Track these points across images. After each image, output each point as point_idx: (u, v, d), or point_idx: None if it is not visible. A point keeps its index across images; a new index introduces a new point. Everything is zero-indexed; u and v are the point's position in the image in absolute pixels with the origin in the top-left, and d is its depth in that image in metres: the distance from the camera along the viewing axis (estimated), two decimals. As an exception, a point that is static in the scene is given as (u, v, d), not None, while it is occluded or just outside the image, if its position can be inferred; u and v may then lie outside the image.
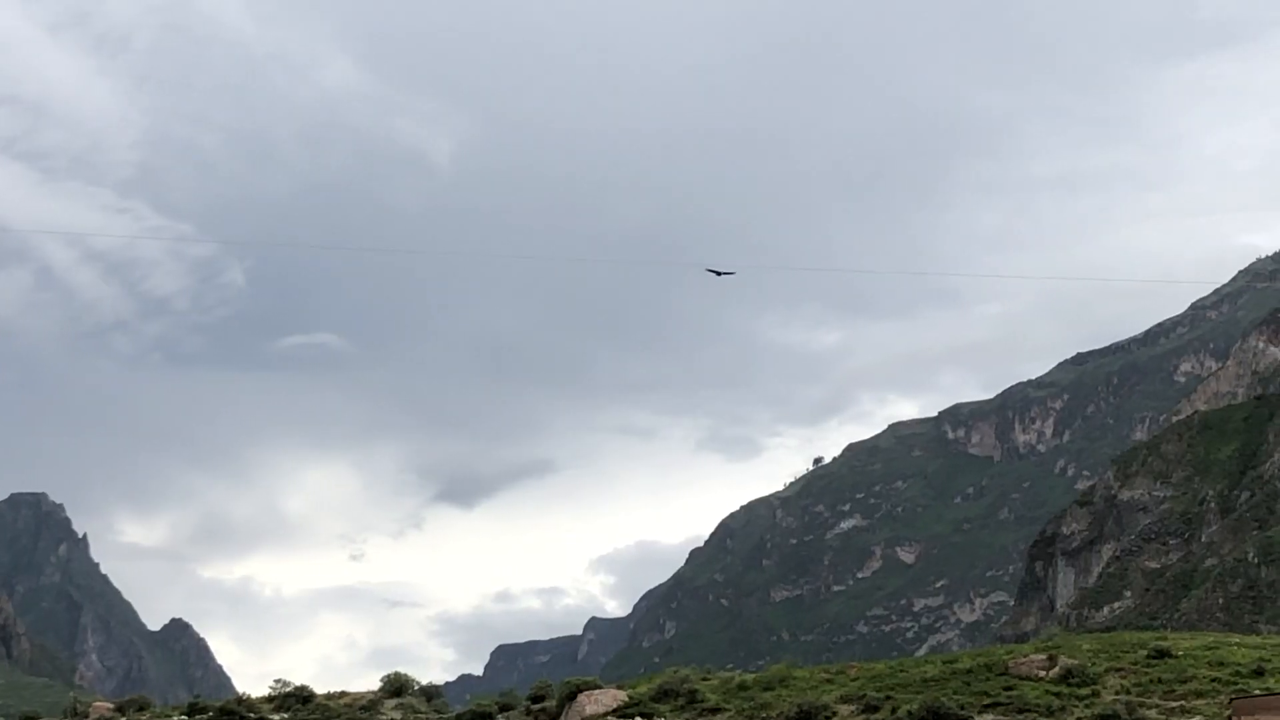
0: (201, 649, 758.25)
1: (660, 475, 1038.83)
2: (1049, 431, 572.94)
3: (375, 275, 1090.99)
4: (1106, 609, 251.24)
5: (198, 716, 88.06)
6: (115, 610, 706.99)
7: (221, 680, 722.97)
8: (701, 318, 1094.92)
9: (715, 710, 76.16)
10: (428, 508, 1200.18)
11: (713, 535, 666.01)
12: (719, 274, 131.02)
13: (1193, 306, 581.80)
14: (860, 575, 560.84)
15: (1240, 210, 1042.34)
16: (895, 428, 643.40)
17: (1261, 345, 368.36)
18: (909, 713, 69.65)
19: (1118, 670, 77.41)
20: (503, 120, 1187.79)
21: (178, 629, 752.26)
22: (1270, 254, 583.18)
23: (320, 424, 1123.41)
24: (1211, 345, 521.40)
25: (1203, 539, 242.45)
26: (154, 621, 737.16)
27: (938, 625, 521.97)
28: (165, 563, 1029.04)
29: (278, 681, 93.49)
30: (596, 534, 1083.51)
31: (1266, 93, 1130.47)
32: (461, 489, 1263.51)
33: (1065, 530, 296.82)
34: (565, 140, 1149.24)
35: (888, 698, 73.38)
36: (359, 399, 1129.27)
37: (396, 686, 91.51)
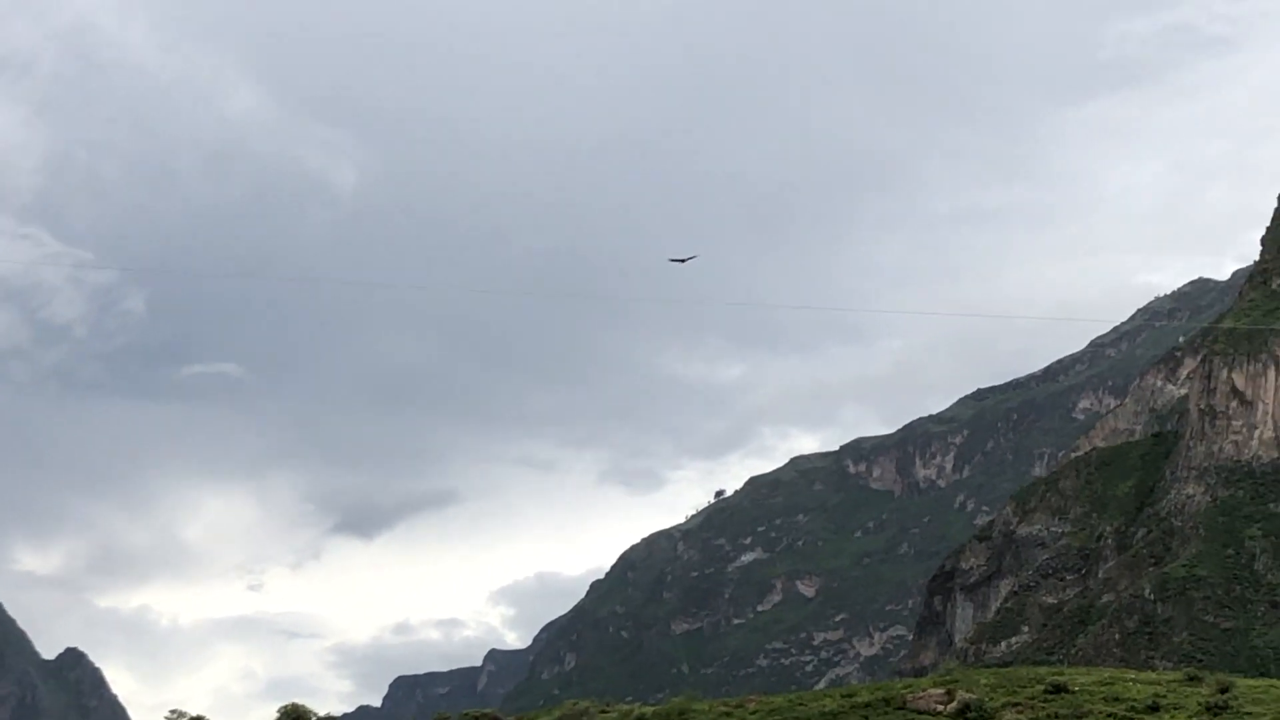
0: (96, 679, 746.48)
1: (562, 507, 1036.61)
2: (949, 466, 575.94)
3: (277, 304, 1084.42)
4: (1004, 644, 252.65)
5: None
6: (9, 639, 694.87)
7: (116, 711, 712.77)
8: (604, 350, 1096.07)
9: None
10: (327, 538, 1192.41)
11: (614, 567, 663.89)
12: (681, 261, 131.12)
13: (1092, 344, 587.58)
14: (760, 608, 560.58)
15: (1139, 250, 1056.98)
16: (797, 461, 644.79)
17: (1159, 383, 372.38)
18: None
19: (1015, 705, 77.74)
20: (407, 150, 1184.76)
21: (72, 658, 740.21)
22: (1169, 293, 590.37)
23: (220, 453, 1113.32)
24: (1110, 383, 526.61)
25: (1100, 575, 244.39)
26: (49, 650, 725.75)
27: (837, 659, 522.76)
28: (61, 591, 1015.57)
29: (173, 712, 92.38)
30: (497, 566, 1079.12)
31: (1165, 134, 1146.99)
32: (361, 520, 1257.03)
33: (964, 565, 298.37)
34: (469, 170, 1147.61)
35: (787, 731, 73.40)
36: (259, 428, 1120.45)
37: (294, 717, 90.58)
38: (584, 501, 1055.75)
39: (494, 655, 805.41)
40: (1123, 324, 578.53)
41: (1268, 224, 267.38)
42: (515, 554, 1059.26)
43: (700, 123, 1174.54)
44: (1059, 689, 78.93)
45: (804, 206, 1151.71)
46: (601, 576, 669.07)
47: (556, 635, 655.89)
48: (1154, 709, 74.13)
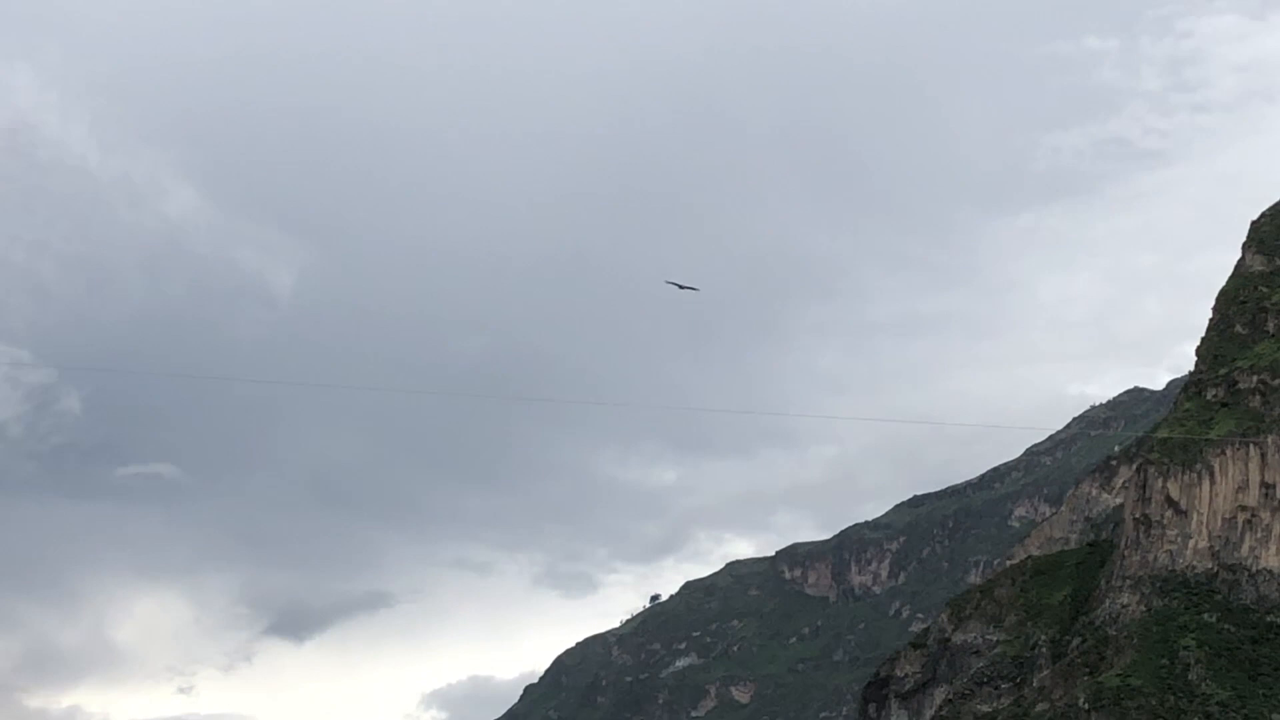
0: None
1: (496, 610, 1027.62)
2: (885, 573, 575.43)
3: (214, 405, 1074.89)
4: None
5: None
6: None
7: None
8: (539, 452, 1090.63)
9: None
10: (259, 640, 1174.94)
11: (548, 671, 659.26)
12: (681, 288, 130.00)
13: (1027, 452, 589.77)
14: (695, 714, 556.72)
15: (1073, 359, 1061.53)
16: (732, 566, 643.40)
17: (1094, 492, 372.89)
18: None
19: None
20: (345, 251, 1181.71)
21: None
22: (1104, 402, 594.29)
23: (153, 554, 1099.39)
24: (1045, 491, 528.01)
25: (1034, 684, 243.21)
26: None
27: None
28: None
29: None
30: (430, 669, 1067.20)
31: (1099, 246, 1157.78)
32: (294, 622, 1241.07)
33: (899, 672, 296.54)
34: (406, 272, 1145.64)
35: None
36: (193, 529, 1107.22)
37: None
38: (518, 604, 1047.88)
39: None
40: (1058, 432, 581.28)
41: (1202, 335, 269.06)
42: (449, 657, 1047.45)
43: (639, 227, 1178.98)
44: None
45: (742, 311, 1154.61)
46: (535, 680, 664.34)
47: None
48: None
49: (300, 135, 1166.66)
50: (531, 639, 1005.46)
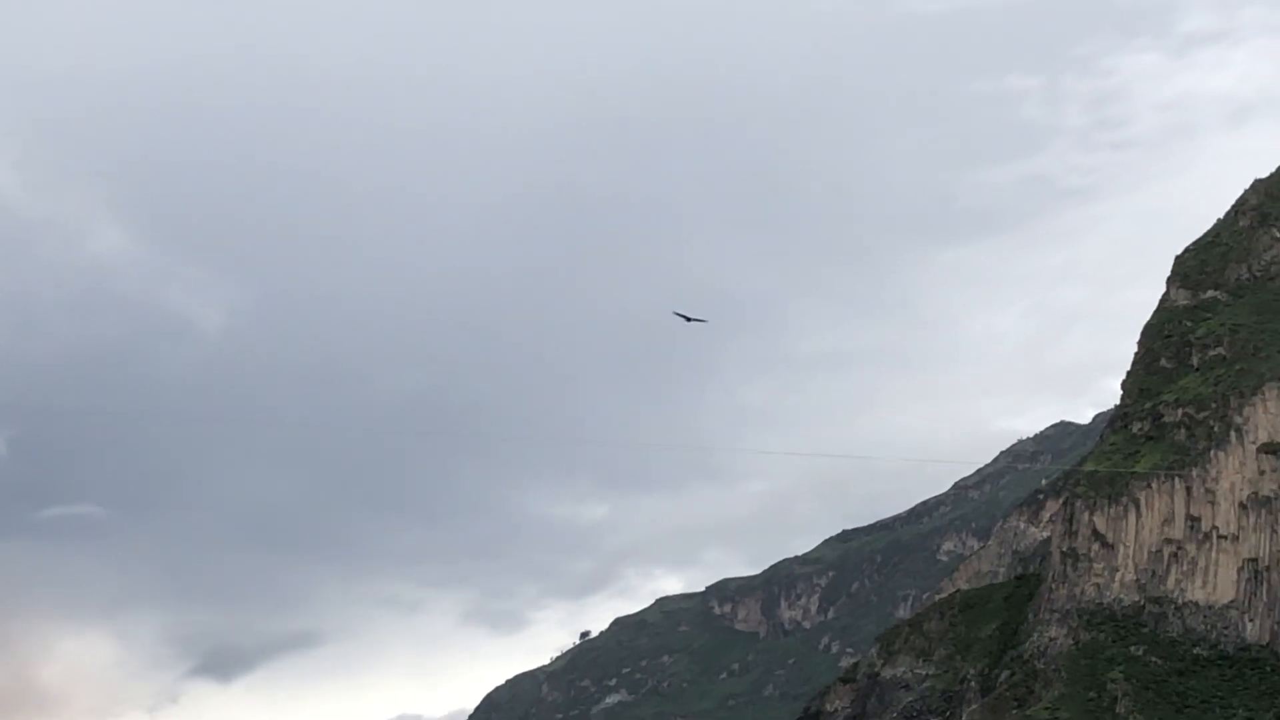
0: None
1: (425, 648, 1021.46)
2: (814, 608, 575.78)
3: (141, 444, 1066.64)
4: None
5: None
6: None
7: None
8: (469, 489, 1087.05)
9: None
10: (185, 681, 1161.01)
11: (477, 709, 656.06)
12: (688, 319, 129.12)
13: (955, 486, 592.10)
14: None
15: (1000, 393, 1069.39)
16: (662, 602, 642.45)
17: (1022, 525, 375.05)
18: None
19: None
20: (274, 289, 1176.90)
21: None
22: (1031, 436, 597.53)
23: (79, 594, 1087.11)
24: (973, 524, 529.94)
25: (963, 717, 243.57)
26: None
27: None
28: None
29: None
30: (359, 708, 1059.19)
31: (1024, 281, 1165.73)
32: (220, 662, 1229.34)
33: (829, 707, 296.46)
34: (335, 310, 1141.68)
35: None
36: (119, 569, 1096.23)
37: None
38: (448, 642, 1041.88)
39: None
40: (986, 466, 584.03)
41: (1127, 369, 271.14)
42: (378, 695, 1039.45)
43: (568, 261, 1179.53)
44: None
45: (671, 346, 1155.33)
46: (465, 718, 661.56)
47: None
48: None
49: (229, 175, 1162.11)
50: (461, 676, 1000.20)
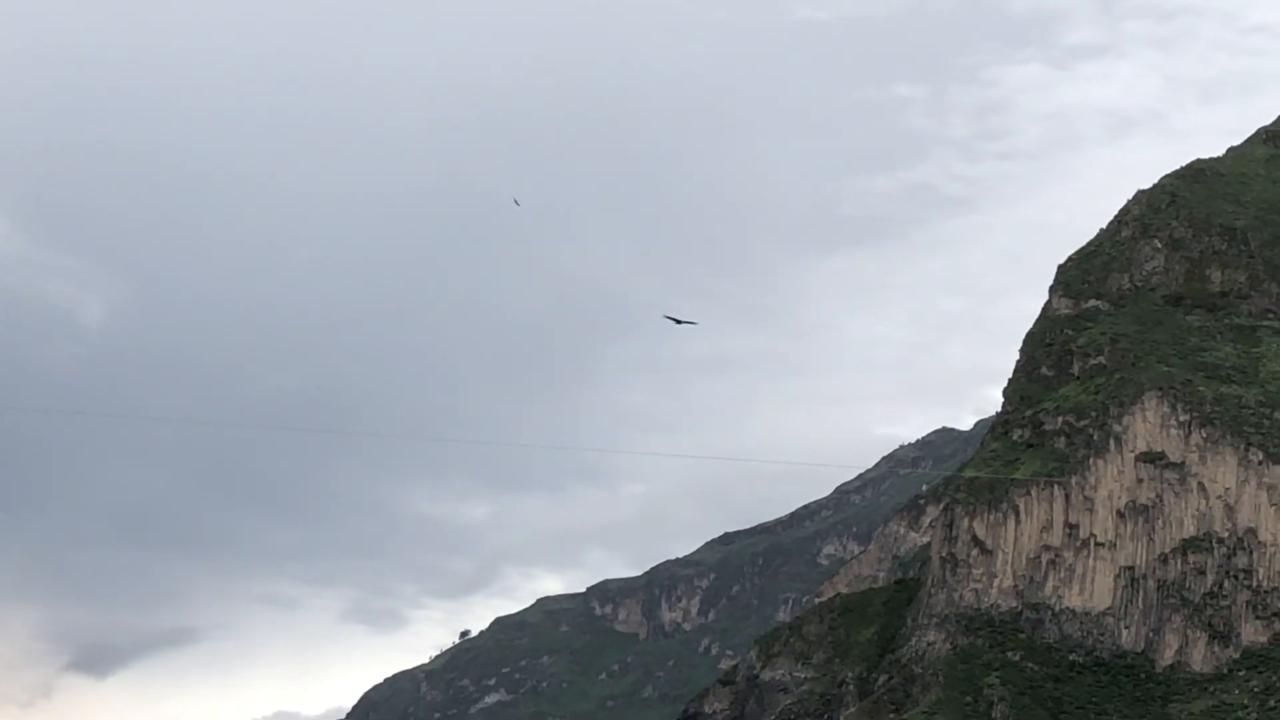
0: None
1: (303, 646, 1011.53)
2: (695, 610, 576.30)
3: (13, 438, 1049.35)
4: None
5: None
6: None
7: None
8: (349, 487, 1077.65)
9: None
10: (58, 676, 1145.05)
11: (355, 708, 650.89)
12: (679, 322, 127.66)
13: (837, 490, 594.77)
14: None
15: (881, 400, 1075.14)
16: (543, 603, 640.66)
17: (902, 530, 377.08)
18: None
19: None
20: (155, 283, 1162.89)
21: None
22: (913, 441, 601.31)
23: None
24: (854, 529, 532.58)
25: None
26: None
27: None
28: None
29: None
30: (235, 705, 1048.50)
31: (906, 289, 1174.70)
32: (95, 658, 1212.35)
33: (707, 709, 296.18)
34: (216, 305, 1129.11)
35: None
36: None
37: None
38: (326, 640, 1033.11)
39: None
40: (868, 471, 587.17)
41: (1009, 377, 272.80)
42: (254, 693, 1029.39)
43: (452, 260, 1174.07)
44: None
45: (553, 348, 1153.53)
46: (343, 717, 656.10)
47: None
48: None
49: (110, 167, 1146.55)
50: (339, 675, 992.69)
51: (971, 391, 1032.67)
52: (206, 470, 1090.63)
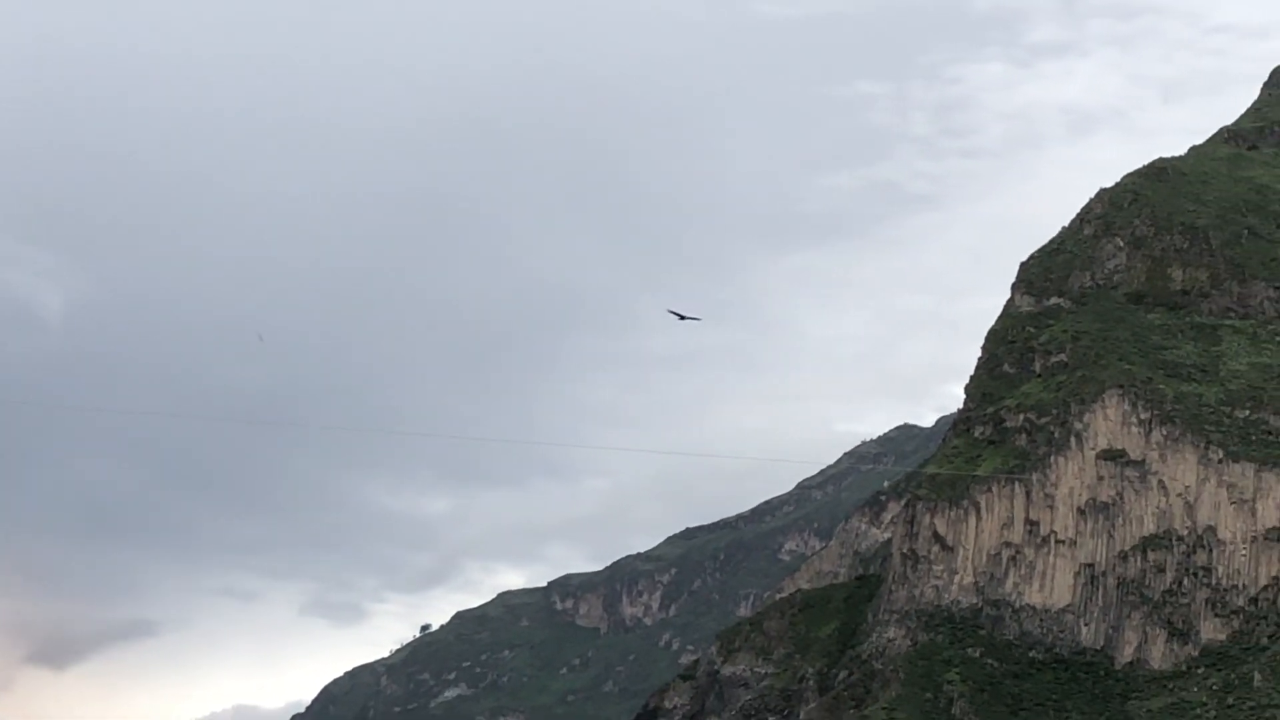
0: None
1: (263, 639, 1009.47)
2: (656, 605, 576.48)
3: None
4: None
5: None
6: None
7: None
8: (310, 480, 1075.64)
9: None
10: (17, 668, 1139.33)
11: (315, 701, 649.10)
12: (682, 318, 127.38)
13: (799, 486, 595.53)
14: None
15: (843, 396, 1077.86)
16: (504, 597, 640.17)
17: (863, 526, 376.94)
18: None
19: None
20: (115, 275, 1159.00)
21: None
22: (874, 438, 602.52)
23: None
24: (816, 525, 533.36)
25: (801, 716, 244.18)
26: None
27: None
28: None
29: None
30: (194, 698, 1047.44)
31: (868, 286, 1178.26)
32: (54, 650, 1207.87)
33: (668, 704, 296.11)
34: (177, 295, 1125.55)
35: None
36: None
37: None
38: (286, 633, 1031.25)
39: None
40: (829, 467, 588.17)
41: (970, 374, 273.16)
42: (213, 686, 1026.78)
43: (416, 256, 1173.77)
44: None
45: (517, 342, 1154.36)
46: (302, 710, 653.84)
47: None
48: None
49: (72, 163, 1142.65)
50: (299, 668, 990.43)
51: (933, 388, 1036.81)
52: (167, 463, 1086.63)
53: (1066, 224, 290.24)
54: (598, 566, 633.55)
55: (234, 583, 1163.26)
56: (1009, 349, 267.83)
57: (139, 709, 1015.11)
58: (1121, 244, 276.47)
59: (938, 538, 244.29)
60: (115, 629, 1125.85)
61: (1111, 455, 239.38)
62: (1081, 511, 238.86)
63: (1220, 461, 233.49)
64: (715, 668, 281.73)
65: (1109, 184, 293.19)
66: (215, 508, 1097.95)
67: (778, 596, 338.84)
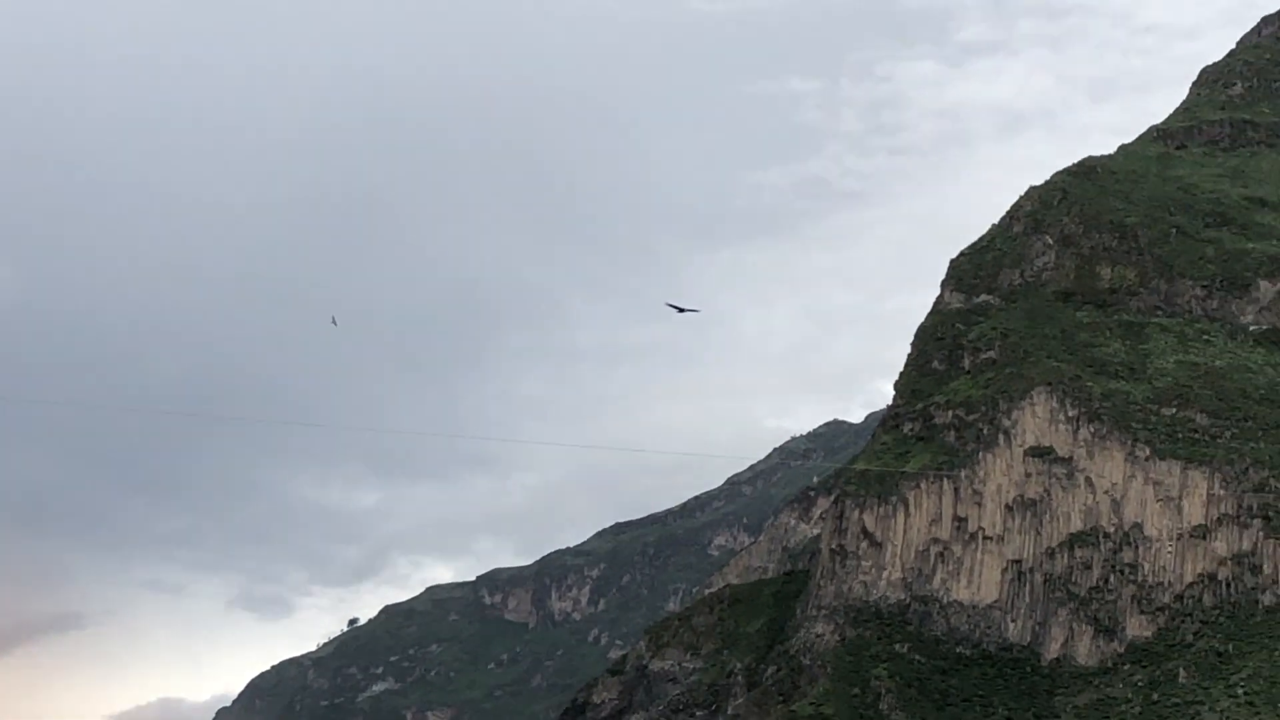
0: None
1: (189, 632, 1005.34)
2: (585, 600, 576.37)
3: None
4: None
5: None
6: None
7: None
8: (237, 472, 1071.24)
9: None
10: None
11: (241, 694, 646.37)
12: (680, 310, 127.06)
13: (729, 482, 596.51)
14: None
15: (773, 392, 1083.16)
16: (432, 591, 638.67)
17: (793, 522, 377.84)
18: None
19: None
20: (39, 266, 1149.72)
21: None
22: (804, 434, 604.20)
23: None
24: (745, 520, 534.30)
25: (729, 711, 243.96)
26: None
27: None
28: None
29: None
30: (118, 691, 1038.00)
31: (798, 282, 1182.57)
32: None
33: (596, 699, 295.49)
34: (102, 287, 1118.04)
35: None
36: None
37: None
38: (212, 626, 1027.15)
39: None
40: (759, 463, 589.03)
41: (900, 370, 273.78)
42: (138, 679, 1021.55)
43: (344, 254, 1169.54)
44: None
45: (447, 335, 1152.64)
46: (228, 704, 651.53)
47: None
48: None
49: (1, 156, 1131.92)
50: (225, 661, 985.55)
51: (863, 384, 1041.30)
52: (92, 455, 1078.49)
53: (996, 222, 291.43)
54: (526, 561, 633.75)
55: (161, 575, 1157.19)
56: (938, 346, 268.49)
57: (64, 702, 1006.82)
58: (1050, 242, 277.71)
59: (866, 534, 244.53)
60: (40, 621, 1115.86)
61: (1039, 452, 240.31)
62: (1009, 508, 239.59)
63: (1147, 459, 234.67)
64: (644, 663, 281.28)
65: (1038, 182, 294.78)
66: (142, 501, 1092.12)
67: (707, 592, 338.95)
